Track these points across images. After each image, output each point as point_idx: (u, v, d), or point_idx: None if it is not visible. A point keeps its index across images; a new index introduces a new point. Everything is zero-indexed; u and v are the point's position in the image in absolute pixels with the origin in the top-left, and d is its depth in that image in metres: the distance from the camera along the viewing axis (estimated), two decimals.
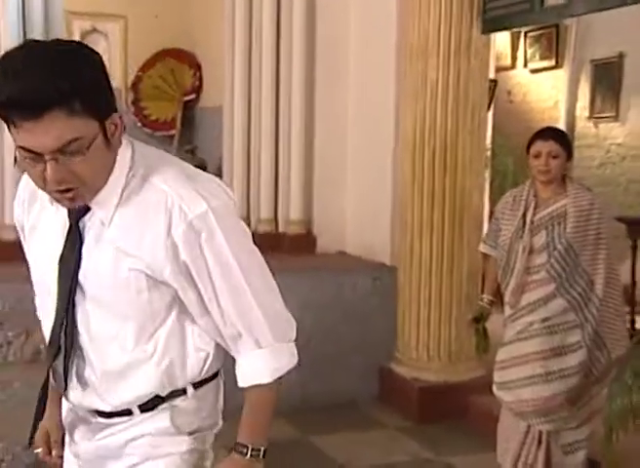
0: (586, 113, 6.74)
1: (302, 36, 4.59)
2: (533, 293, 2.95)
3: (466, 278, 4.11)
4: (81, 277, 1.42)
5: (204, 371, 1.52)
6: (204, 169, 1.91)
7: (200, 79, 6.84)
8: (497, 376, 3.10)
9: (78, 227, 1.41)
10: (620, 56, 6.31)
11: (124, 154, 1.39)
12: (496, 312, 3.22)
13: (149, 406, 1.50)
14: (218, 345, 1.52)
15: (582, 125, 6.79)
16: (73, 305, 1.44)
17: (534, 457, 2.99)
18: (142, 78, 6.92)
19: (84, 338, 1.47)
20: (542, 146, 2.96)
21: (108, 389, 1.48)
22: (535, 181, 3.03)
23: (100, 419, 1.53)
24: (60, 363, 1.48)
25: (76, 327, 1.46)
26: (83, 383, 1.50)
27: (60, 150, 1.25)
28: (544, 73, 7.13)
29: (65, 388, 1.51)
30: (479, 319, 3.19)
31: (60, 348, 1.47)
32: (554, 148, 2.94)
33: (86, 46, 1.33)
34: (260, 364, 1.46)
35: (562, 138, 3.00)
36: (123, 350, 1.45)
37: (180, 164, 1.46)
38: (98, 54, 1.32)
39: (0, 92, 1.22)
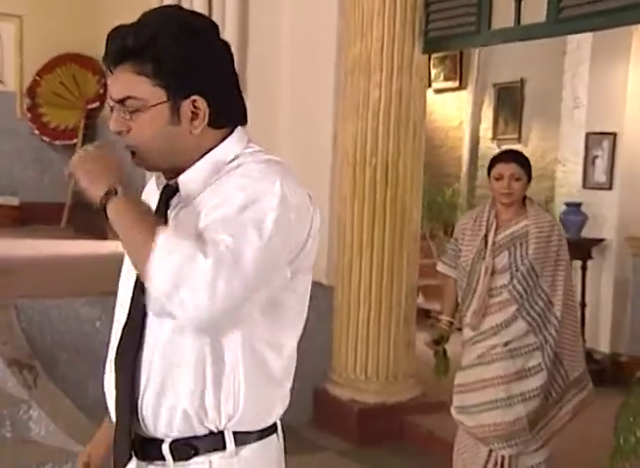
0: (490, 134, 6.98)
1: (235, 51, 4.44)
2: (495, 317, 2.95)
3: (405, 297, 4.09)
4: None
5: (240, 407, 1.30)
6: None
7: (105, 87, 6.51)
8: (456, 400, 3.07)
9: (167, 206, 1.34)
10: (522, 81, 6.58)
11: (232, 141, 1.34)
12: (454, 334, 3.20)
13: (183, 453, 1.32)
14: (279, 378, 1.36)
15: (486, 145, 7.02)
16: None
17: None
18: (40, 83, 6.50)
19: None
20: (505, 169, 2.97)
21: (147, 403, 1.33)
22: (495, 203, 3.04)
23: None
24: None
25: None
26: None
27: (119, 102, 1.29)
28: (449, 94, 7.33)
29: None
30: (439, 341, 3.14)
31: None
32: (516, 171, 2.97)
33: (197, 19, 1.33)
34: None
35: (523, 161, 3.03)
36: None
37: None
38: (212, 37, 1.31)
39: (107, 37, 1.29)
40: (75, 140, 6.43)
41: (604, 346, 5.12)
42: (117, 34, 1.28)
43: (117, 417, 1.37)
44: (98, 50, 6.22)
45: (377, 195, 3.97)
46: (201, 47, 1.29)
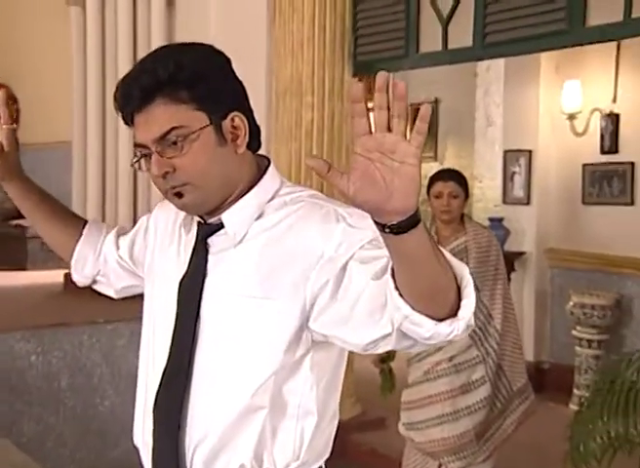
0: None
1: None
2: None
3: None
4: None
5: (302, 456, 1.24)
6: None
7: (17, 112, 6.30)
8: (404, 417, 3.12)
9: (206, 244, 1.28)
10: (436, 101, 6.80)
11: (273, 175, 1.31)
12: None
13: None
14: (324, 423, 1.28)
15: None
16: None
17: None
18: None
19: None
20: (444, 187, 3.07)
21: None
22: (435, 220, 3.14)
23: None
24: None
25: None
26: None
27: (161, 139, 1.20)
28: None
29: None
30: (385, 359, 3.19)
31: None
32: (455, 189, 3.07)
33: (211, 46, 1.31)
34: None
35: (460, 179, 3.14)
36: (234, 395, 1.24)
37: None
38: (224, 55, 1.29)
39: (116, 91, 1.24)
40: None
41: (528, 355, 5.31)
42: (138, 75, 1.22)
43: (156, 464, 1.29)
44: (8, 75, 5.99)
45: None
46: (225, 65, 1.28)
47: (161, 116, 1.20)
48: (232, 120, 1.25)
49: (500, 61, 5.48)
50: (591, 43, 3.23)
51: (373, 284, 1.09)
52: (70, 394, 3.48)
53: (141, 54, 4.36)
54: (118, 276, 1.55)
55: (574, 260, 5.18)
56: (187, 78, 1.20)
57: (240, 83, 1.30)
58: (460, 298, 1.03)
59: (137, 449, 1.37)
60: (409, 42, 3.77)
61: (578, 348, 4.86)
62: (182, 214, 1.34)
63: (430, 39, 3.70)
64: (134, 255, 1.51)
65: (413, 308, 1.01)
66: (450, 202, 3.06)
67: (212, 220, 1.29)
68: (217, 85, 1.24)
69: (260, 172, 1.31)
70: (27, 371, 3.42)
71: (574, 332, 4.88)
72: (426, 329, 1.02)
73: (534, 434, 3.63)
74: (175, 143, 1.20)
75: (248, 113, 1.29)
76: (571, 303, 4.87)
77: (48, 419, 3.46)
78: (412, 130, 0.94)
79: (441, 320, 1.02)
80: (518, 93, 5.43)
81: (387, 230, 0.96)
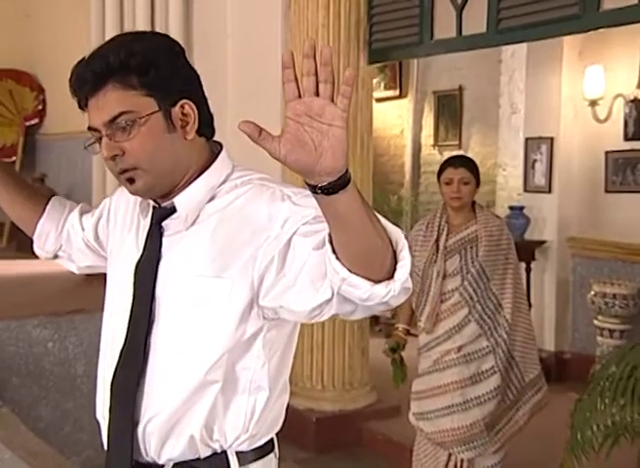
0: (431, 141, 7.10)
1: None
2: (448, 321, 3.00)
3: None
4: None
5: (251, 428, 1.30)
6: None
7: (43, 103, 6.39)
8: (414, 407, 3.11)
9: (160, 227, 1.32)
10: (460, 88, 6.73)
11: (224, 160, 1.35)
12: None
13: None
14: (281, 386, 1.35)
15: (428, 152, 7.14)
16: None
17: None
18: None
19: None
20: (454, 173, 3.04)
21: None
22: (446, 207, 3.10)
23: None
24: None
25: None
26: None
27: (111, 122, 1.25)
28: (389, 102, 7.44)
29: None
30: (395, 349, 3.17)
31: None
32: (465, 175, 3.03)
33: (165, 35, 1.38)
34: None
35: (472, 166, 3.10)
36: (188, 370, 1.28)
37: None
38: (178, 45, 1.33)
39: (71, 75, 1.29)
40: (14, 158, 6.29)
41: (549, 345, 5.27)
42: (91, 60, 1.27)
43: (112, 444, 1.34)
44: (34, 65, 6.14)
45: None
46: (177, 55, 1.32)
47: (111, 101, 1.25)
48: (182, 107, 1.28)
49: (524, 47, 5.41)
50: (605, 27, 3.16)
51: (314, 253, 1.14)
52: (87, 380, 3.54)
53: (159, 22, 4.41)
54: (83, 254, 1.60)
55: (596, 249, 5.11)
56: (138, 65, 1.24)
57: (194, 72, 1.34)
58: (396, 262, 1.08)
59: (98, 424, 1.42)
60: (423, 29, 3.73)
61: (599, 338, 4.80)
62: (140, 198, 1.38)
63: (445, 26, 3.66)
64: (99, 238, 1.56)
65: (350, 271, 1.06)
66: (460, 188, 3.02)
67: (165, 204, 1.33)
68: (167, 73, 1.27)
69: (213, 157, 1.35)
70: (44, 358, 3.49)
71: (595, 322, 4.82)
72: (363, 290, 1.07)
73: (554, 425, 3.59)
74: (124, 128, 1.24)
75: (200, 101, 1.32)
76: (592, 293, 4.81)
77: (65, 405, 3.53)
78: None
79: (379, 282, 1.07)
80: (540, 79, 5.35)
81: (319, 191, 1.00)
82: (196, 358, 1.27)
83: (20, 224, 1.67)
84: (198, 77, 1.35)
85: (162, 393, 1.29)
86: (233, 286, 1.24)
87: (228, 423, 1.29)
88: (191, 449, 1.29)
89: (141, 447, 1.31)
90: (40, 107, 6.36)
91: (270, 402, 1.32)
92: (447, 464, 3.05)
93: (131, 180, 1.28)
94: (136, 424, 1.30)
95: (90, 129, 1.28)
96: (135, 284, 1.32)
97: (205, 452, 1.30)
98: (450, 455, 3.04)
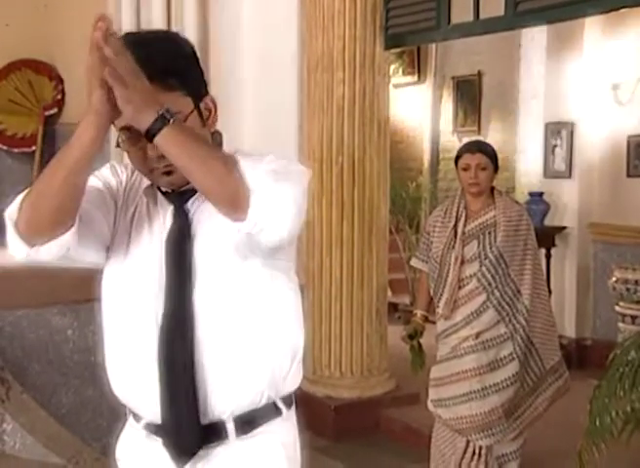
0: (450, 127, 7.05)
1: (195, 38, 4.40)
2: (466, 307, 2.98)
3: (376, 292, 4.12)
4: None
5: (292, 371, 1.47)
6: None
7: (62, 92, 6.41)
8: (433, 393, 3.10)
9: (184, 210, 1.40)
10: (479, 74, 6.66)
11: (228, 147, 1.45)
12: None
13: (247, 428, 1.41)
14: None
15: (447, 139, 7.09)
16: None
17: None
18: None
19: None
20: (471, 159, 3.01)
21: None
22: (464, 193, 3.08)
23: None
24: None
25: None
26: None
27: None
28: (408, 88, 7.39)
29: None
30: (413, 336, 3.15)
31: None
32: (483, 161, 3.01)
33: (178, 34, 1.47)
34: None
35: (489, 151, 3.07)
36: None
37: None
38: (189, 42, 1.42)
39: None
40: (34, 148, 6.31)
41: (570, 331, 5.23)
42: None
43: (172, 412, 1.38)
44: (52, 55, 6.12)
45: (344, 193, 4.00)
46: (195, 52, 1.41)
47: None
48: (206, 103, 1.39)
49: (544, 31, 5.33)
50: (628, 7, 3.11)
51: None
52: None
53: (176, 10, 4.40)
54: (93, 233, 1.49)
55: (617, 235, 5.05)
56: (176, 67, 1.33)
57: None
58: None
59: (114, 407, 1.52)
60: (440, 13, 3.69)
61: (621, 324, 4.75)
62: (142, 183, 1.44)
63: (462, 9, 3.62)
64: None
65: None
66: (477, 174, 2.99)
67: (186, 188, 1.39)
68: (196, 72, 1.39)
69: (216, 144, 1.45)
70: (64, 345, 3.52)
71: (617, 308, 4.78)
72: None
73: (574, 412, 3.56)
74: None
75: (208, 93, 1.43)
76: (614, 279, 4.76)
77: (85, 392, 3.56)
78: None
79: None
80: (561, 63, 5.28)
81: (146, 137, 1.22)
82: (241, 317, 1.39)
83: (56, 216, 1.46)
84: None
85: (216, 360, 1.38)
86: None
87: (281, 369, 1.43)
88: (249, 403, 1.41)
89: (201, 409, 1.38)
90: (59, 97, 6.37)
91: (299, 340, 1.49)
92: (465, 451, 3.04)
93: (169, 173, 1.35)
94: (196, 389, 1.37)
95: (124, 128, 1.32)
96: (169, 263, 1.38)
97: (261, 403, 1.42)
98: (468, 442, 3.03)
